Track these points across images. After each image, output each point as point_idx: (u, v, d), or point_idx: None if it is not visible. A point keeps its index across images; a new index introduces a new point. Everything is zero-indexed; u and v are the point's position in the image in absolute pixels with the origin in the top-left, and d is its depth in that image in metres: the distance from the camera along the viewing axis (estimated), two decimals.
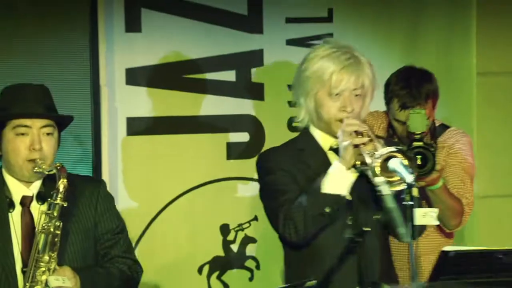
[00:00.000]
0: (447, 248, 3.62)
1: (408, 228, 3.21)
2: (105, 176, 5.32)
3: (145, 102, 5.33)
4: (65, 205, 3.53)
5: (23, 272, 3.63)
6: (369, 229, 3.57)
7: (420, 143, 4.21)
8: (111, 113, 5.36)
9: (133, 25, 5.24)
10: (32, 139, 3.64)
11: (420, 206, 3.40)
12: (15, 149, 3.64)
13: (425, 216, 3.47)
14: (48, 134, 3.67)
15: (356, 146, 3.49)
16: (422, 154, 4.24)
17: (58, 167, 3.54)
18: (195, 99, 5.22)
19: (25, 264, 3.55)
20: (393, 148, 3.40)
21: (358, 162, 3.52)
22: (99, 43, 5.16)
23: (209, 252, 5.83)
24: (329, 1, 5.68)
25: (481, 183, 5.85)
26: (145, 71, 5.25)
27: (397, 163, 3.29)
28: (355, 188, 3.60)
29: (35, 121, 3.68)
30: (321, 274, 3.73)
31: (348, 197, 3.56)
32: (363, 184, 3.59)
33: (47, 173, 3.56)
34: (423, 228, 3.70)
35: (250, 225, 5.81)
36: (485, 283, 3.61)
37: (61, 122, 3.86)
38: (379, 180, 3.29)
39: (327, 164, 3.55)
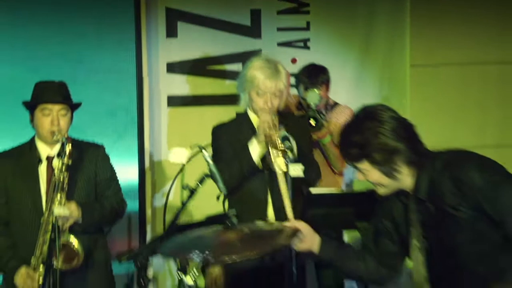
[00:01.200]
0: (312, 189, 3.87)
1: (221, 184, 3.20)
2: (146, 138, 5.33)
3: (180, 85, 5.40)
4: (69, 163, 3.56)
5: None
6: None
7: (314, 111, 4.42)
8: (156, 93, 5.40)
9: (172, 32, 5.40)
10: (52, 118, 3.73)
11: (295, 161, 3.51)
12: (42, 124, 3.74)
13: (295, 170, 3.49)
14: (63, 115, 3.76)
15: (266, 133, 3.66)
16: (315, 117, 4.42)
17: (66, 137, 3.62)
18: (217, 82, 5.29)
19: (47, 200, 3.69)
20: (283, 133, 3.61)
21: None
22: (142, 46, 5.34)
23: None
24: (306, 16, 5.65)
25: None
26: (179, 64, 5.38)
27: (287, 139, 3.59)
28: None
29: (55, 106, 3.76)
30: (247, 212, 3.64)
31: (259, 164, 3.73)
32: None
33: (61, 141, 3.61)
34: (318, 173, 3.92)
35: None
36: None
37: (73, 106, 3.88)
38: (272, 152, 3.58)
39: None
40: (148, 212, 5.08)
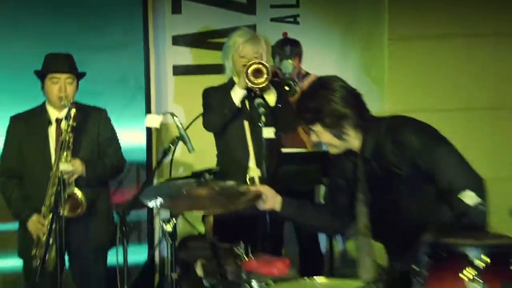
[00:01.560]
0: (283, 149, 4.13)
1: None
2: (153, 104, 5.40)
3: (184, 55, 5.47)
4: (74, 124, 3.65)
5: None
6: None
7: (289, 79, 4.52)
8: (162, 64, 5.45)
9: (177, 9, 5.40)
10: (60, 85, 3.82)
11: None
12: (51, 91, 3.84)
13: (268, 132, 3.62)
14: (70, 83, 3.85)
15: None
16: (289, 84, 4.52)
17: (72, 102, 3.73)
18: (216, 53, 5.05)
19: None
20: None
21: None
22: (149, 21, 5.34)
23: None
24: None
25: None
26: (183, 37, 5.44)
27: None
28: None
29: (62, 75, 3.85)
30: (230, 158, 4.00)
31: (239, 105, 3.87)
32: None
33: (68, 105, 3.70)
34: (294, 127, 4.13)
35: None
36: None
37: (79, 75, 3.95)
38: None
39: None
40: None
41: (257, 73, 3.78)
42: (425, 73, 5.36)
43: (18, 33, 5.09)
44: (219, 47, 5.25)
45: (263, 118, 3.61)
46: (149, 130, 5.12)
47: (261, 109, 3.63)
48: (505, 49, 5.46)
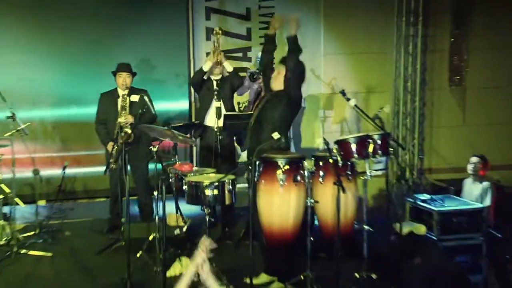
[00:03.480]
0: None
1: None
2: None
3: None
4: (128, 97, 6.62)
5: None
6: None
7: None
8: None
9: None
10: (123, 78, 6.83)
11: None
12: (118, 81, 6.87)
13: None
14: (127, 77, 6.81)
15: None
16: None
17: (128, 87, 6.71)
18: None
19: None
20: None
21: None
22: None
23: None
24: None
25: None
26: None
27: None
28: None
29: (123, 73, 6.85)
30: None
31: (205, 69, 6.88)
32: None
33: (126, 88, 6.69)
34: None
35: None
36: None
37: (133, 74, 6.85)
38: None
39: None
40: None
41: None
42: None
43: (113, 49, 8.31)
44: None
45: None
46: (190, 98, 8.56)
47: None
48: None
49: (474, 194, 7.40)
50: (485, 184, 7.41)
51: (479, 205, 7.02)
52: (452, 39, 9.24)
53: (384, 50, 9.16)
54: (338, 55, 9.04)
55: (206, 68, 6.95)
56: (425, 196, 7.43)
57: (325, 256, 5.90)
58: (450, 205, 6.96)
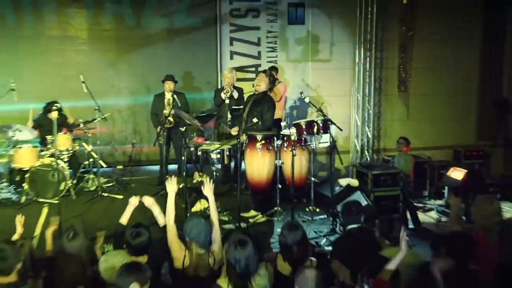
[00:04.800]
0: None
1: None
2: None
3: None
4: (172, 97, 7.62)
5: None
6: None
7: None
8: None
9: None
10: (168, 85, 7.85)
11: None
12: (165, 87, 7.89)
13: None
14: (172, 83, 7.81)
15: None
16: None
17: (172, 90, 7.73)
18: None
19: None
20: None
21: None
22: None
23: None
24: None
25: None
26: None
27: None
28: None
29: (168, 81, 7.89)
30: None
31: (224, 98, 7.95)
32: None
33: (171, 91, 7.73)
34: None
35: None
36: None
37: (175, 81, 7.88)
38: None
39: None
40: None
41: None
42: None
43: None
44: None
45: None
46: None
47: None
48: None
49: (401, 163, 8.43)
50: (407, 157, 8.58)
51: (398, 170, 7.51)
52: (399, 61, 10.18)
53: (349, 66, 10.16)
54: (322, 70, 9.99)
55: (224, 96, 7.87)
56: (366, 163, 8.49)
57: (297, 199, 6.91)
58: (381, 169, 7.52)
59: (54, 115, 6.23)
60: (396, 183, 7.23)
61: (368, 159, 9.92)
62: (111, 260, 4.02)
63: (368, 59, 9.92)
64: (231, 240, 3.75)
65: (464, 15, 10.27)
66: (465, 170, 7.55)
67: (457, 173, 7.63)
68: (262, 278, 3.74)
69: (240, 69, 9.34)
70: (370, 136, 10.18)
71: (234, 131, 7.20)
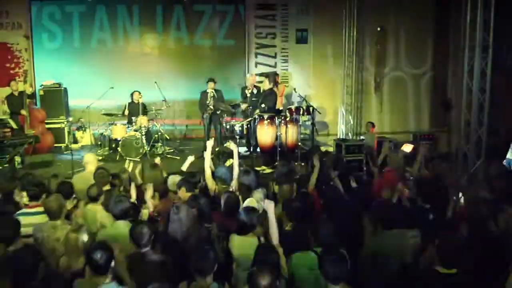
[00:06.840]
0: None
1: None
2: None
3: None
4: (212, 94, 10.65)
5: None
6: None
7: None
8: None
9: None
10: (210, 84, 10.22)
11: None
12: (208, 86, 10.18)
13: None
14: (212, 83, 10.17)
15: None
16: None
17: (213, 89, 10.15)
18: None
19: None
20: None
21: None
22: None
23: None
24: None
25: None
26: None
27: None
28: None
29: (210, 82, 10.23)
30: None
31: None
32: None
33: (211, 89, 10.22)
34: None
35: None
36: None
37: (215, 82, 10.27)
38: None
39: None
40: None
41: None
42: None
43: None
44: None
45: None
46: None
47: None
48: None
49: (368, 140, 11.13)
50: (372, 136, 11.46)
51: (363, 142, 10.14)
52: (375, 69, 12.66)
53: (339, 73, 12.55)
54: (320, 75, 12.61)
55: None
56: (342, 138, 11.35)
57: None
58: (351, 142, 10.30)
59: (136, 96, 9.73)
60: (361, 151, 9.87)
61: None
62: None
63: (352, 68, 12.03)
64: (241, 171, 5.57)
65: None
66: (412, 145, 10.52)
67: (408, 147, 10.49)
68: (258, 192, 5.23)
69: (261, 74, 11.90)
70: (352, 123, 12.33)
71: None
